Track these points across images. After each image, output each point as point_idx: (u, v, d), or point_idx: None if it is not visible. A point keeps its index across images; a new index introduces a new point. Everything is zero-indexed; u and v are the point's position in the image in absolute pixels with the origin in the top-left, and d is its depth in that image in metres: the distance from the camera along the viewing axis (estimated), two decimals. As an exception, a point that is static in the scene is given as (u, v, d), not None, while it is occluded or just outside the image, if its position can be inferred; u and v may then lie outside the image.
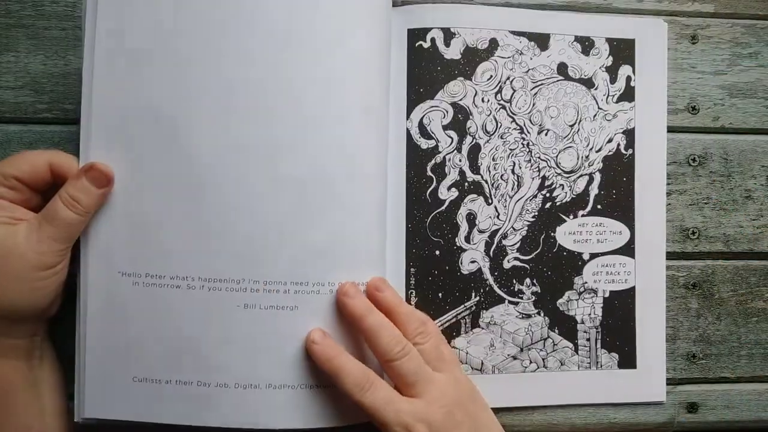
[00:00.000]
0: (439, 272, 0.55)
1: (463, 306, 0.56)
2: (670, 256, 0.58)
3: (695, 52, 0.58)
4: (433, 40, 0.54)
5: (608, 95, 0.57)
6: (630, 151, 0.57)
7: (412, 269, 0.55)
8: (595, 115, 0.57)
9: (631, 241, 0.57)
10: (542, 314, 0.57)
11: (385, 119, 0.52)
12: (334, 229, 0.49)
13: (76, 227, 0.46)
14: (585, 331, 0.57)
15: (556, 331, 0.57)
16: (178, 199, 0.48)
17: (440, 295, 0.55)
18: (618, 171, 0.57)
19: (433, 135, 0.55)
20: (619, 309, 0.57)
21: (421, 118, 0.55)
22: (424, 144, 0.55)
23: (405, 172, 0.55)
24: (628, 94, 0.57)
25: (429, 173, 0.55)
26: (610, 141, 0.57)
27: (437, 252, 0.55)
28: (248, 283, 0.48)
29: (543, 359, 0.56)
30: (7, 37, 0.53)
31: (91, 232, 0.48)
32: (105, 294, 0.48)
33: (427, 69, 0.54)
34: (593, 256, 0.57)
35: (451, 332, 0.55)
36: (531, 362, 0.56)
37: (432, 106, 0.55)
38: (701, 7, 0.58)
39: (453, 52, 0.55)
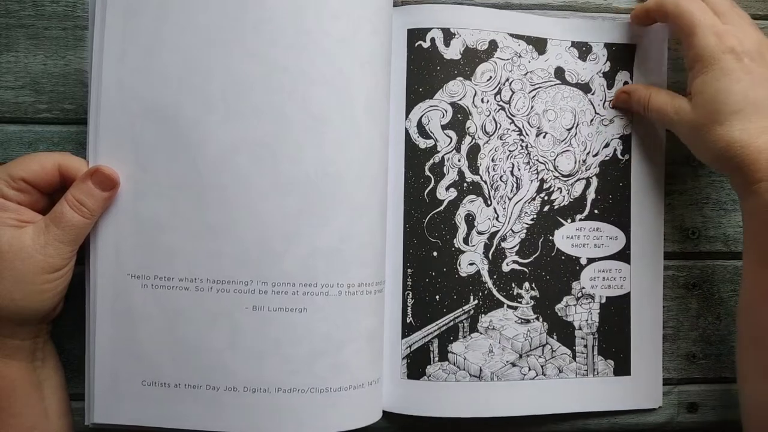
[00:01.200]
0: (436, 274, 0.55)
1: (461, 309, 0.56)
2: (670, 256, 0.58)
3: (696, 53, 0.59)
4: (432, 40, 0.55)
5: (605, 100, 0.58)
6: (626, 157, 0.58)
7: (409, 270, 0.55)
8: (592, 120, 0.58)
9: (627, 247, 0.58)
10: (541, 320, 0.57)
11: (386, 119, 0.53)
12: (341, 229, 0.50)
13: (83, 230, 0.47)
14: (582, 338, 0.57)
15: (555, 337, 0.57)
16: (186, 201, 0.49)
17: (437, 297, 0.55)
18: (614, 176, 0.58)
19: (431, 134, 0.55)
20: (615, 315, 0.58)
21: (420, 118, 0.55)
22: (423, 143, 0.55)
23: (403, 171, 0.55)
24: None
25: (427, 173, 0.55)
26: (606, 146, 0.58)
27: (435, 253, 0.55)
28: (256, 284, 0.49)
29: (542, 366, 0.57)
30: (7, 37, 0.54)
31: (99, 234, 0.49)
32: (114, 296, 0.49)
33: (426, 69, 0.55)
34: (590, 261, 0.58)
35: (448, 337, 0.55)
36: (530, 369, 0.57)
37: (431, 106, 0.55)
38: (702, 7, 0.59)
39: (453, 53, 0.55)
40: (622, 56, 0.58)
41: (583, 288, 0.57)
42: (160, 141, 0.48)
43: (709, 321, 0.58)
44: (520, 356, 0.57)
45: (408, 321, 0.55)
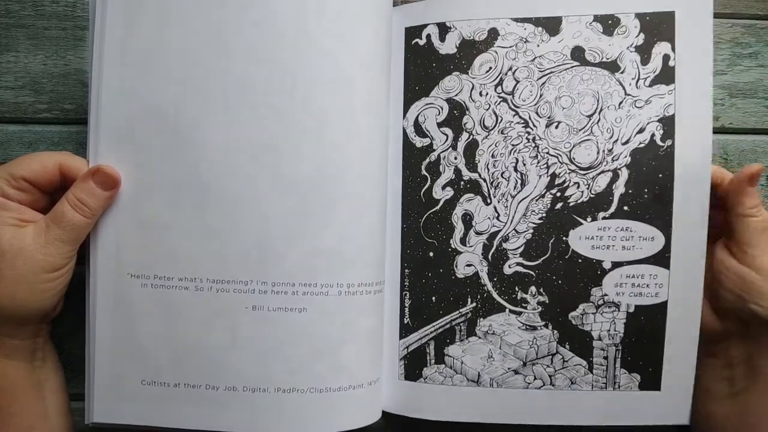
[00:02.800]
0: (433, 275, 0.54)
1: (458, 312, 0.55)
2: None
3: (695, 52, 0.59)
4: (428, 36, 0.54)
5: (638, 78, 0.52)
6: (668, 142, 0.52)
7: (406, 270, 0.55)
8: (621, 103, 0.52)
9: (666, 249, 0.52)
10: (550, 327, 0.53)
11: (385, 119, 0.53)
12: (341, 229, 0.50)
13: (83, 229, 0.48)
14: (602, 349, 0.53)
15: (567, 346, 0.53)
16: (186, 200, 0.49)
17: (434, 298, 0.54)
18: (651, 166, 0.52)
19: (427, 133, 0.54)
20: (646, 326, 0.52)
21: (417, 117, 0.54)
22: (419, 142, 0.55)
23: (401, 171, 0.55)
24: (665, 76, 0.52)
25: (423, 172, 0.55)
26: (641, 131, 0.52)
27: (431, 254, 0.54)
28: (256, 284, 0.50)
29: (550, 376, 0.53)
30: (7, 37, 0.55)
31: (99, 234, 0.50)
32: (114, 296, 0.50)
33: (422, 66, 0.54)
34: (616, 265, 0.53)
35: (444, 339, 0.54)
36: (536, 378, 0.54)
37: (427, 104, 0.54)
38: (701, 6, 0.59)
39: (448, 47, 0.54)
40: (659, 26, 0.52)
41: (606, 295, 0.53)
42: (161, 141, 0.49)
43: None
44: (524, 364, 0.54)
45: (405, 322, 0.55)
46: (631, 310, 0.53)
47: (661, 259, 0.52)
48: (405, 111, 0.55)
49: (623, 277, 0.53)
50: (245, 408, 0.50)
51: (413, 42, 0.54)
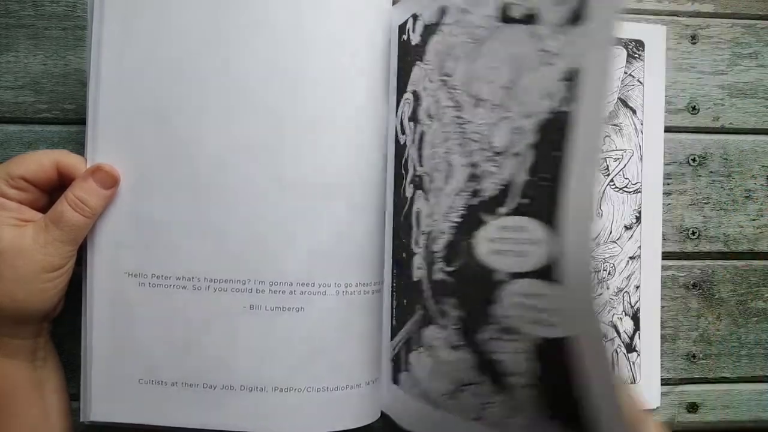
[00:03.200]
0: (402, 277, 0.60)
1: (413, 318, 0.57)
2: (670, 256, 0.64)
3: (695, 53, 0.64)
4: (408, 30, 0.60)
5: (553, 24, 0.40)
6: (573, 107, 0.38)
7: (394, 270, 0.62)
8: (535, 63, 0.42)
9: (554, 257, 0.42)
10: (469, 350, 0.47)
11: (384, 119, 0.64)
12: (339, 229, 0.61)
13: (83, 229, 0.53)
14: (522, 387, 0.42)
15: (488, 376, 0.45)
16: (184, 200, 0.60)
17: (405, 301, 0.59)
18: (555, 144, 0.38)
19: (405, 129, 0.61)
20: (560, 367, 0.37)
21: (401, 114, 0.61)
22: (402, 140, 0.62)
23: (393, 170, 0.62)
24: (577, 7, 0.39)
25: (402, 171, 0.61)
26: (548, 96, 0.40)
27: (404, 254, 0.60)
28: (254, 283, 0.58)
29: (478, 410, 0.45)
30: (7, 37, 0.66)
31: (97, 233, 0.61)
32: (111, 295, 0.61)
33: (405, 62, 0.62)
34: (513, 276, 0.42)
35: (409, 346, 0.55)
36: (468, 409, 0.47)
37: (405, 100, 0.60)
38: (701, 7, 0.66)
39: (416, 37, 0.58)
40: None
41: (506, 317, 0.44)
42: (158, 140, 0.58)
43: (709, 321, 0.62)
44: (456, 389, 0.49)
45: (393, 323, 0.64)
46: (539, 342, 0.41)
47: (549, 271, 0.39)
48: (396, 109, 0.62)
49: (517, 294, 0.42)
50: (243, 407, 0.58)
51: (402, 39, 0.62)
